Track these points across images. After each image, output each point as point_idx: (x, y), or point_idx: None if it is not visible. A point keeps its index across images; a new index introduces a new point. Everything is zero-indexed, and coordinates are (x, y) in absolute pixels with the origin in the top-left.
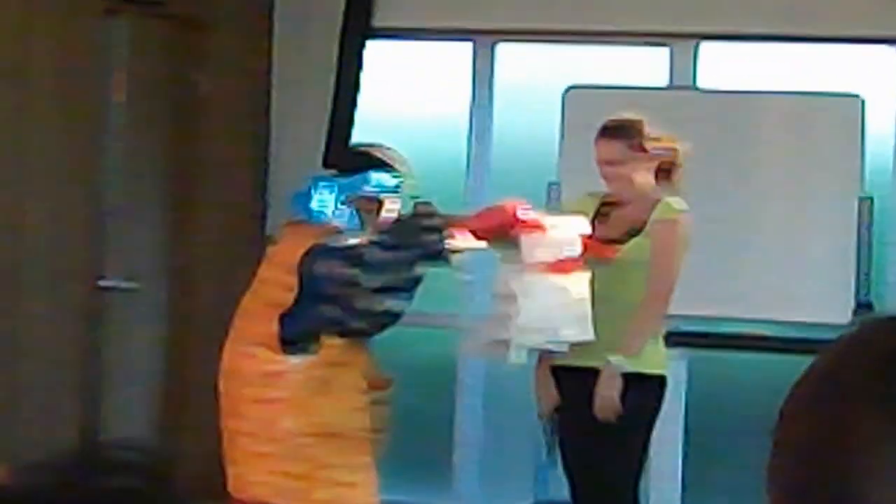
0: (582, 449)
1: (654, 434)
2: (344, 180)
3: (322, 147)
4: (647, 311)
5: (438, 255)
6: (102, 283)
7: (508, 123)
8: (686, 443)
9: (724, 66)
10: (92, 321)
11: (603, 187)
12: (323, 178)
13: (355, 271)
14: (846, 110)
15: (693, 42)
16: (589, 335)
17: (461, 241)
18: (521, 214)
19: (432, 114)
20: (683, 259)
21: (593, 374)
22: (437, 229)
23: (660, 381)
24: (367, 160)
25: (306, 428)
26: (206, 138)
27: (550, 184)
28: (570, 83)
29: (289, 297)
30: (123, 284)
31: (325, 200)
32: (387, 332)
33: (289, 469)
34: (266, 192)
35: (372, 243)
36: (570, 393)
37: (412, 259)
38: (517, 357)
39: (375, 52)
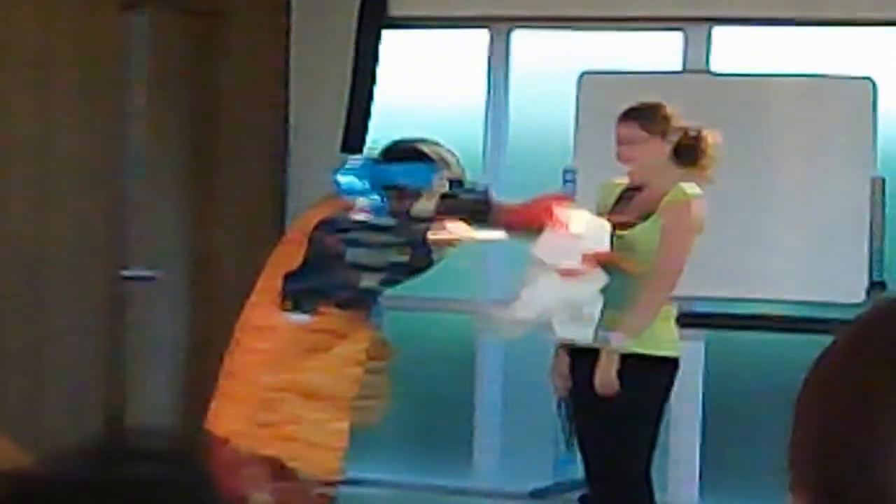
0: (593, 430)
1: (672, 414)
2: (382, 167)
3: (340, 136)
4: (650, 292)
5: (422, 244)
6: (125, 272)
7: (524, 109)
8: (703, 422)
9: (738, 50)
10: (115, 310)
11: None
12: (363, 161)
13: (341, 246)
14: (858, 93)
15: (706, 26)
16: (585, 339)
17: (464, 231)
18: (555, 210)
19: (449, 101)
20: (693, 242)
21: None
22: (426, 219)
23: (671, 363)
24: (410, 153)
25: (283, 384)
26: (225, 128)
27: (566, 170)
28: (585, 69)
29: (298, 258)
30: (146, 273)
31: (355, 180)
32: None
33: (257, 416)
34: (285, 180)
35: (369, 224)
36: (581, 374)
37: (394, 244)
38: (508, 333)
39: (392, 41)
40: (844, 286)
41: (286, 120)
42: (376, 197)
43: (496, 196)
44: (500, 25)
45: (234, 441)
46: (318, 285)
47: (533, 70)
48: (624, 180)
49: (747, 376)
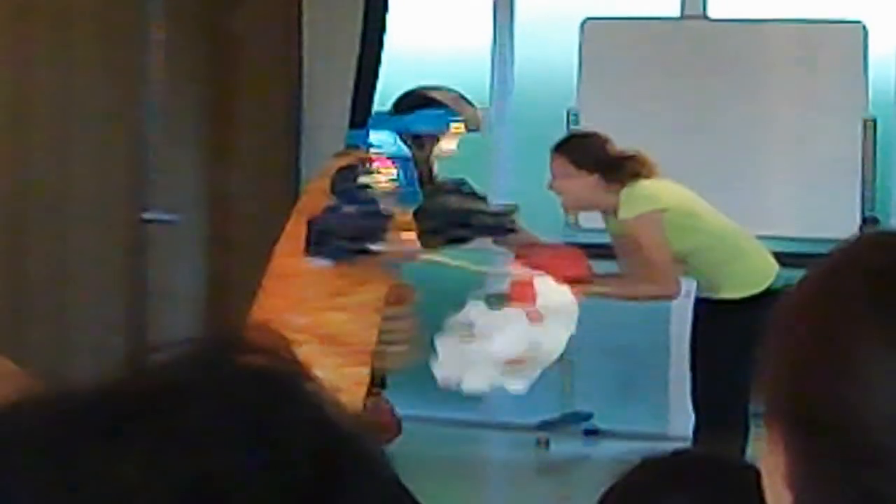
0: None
1: (671, 351)
2: (395, 119)
3: (351, 82)
4: (628, 284)
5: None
6: (145, 215)
7: (529, 54)
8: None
9: None
10: (136, 253)
11: None
12: (376, 115)
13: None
14: (850, 37)
15: None
16: (521, 389)
17: (410, 247)
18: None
19: (455, 47)
20: (660, 230)
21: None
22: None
23: (735, 304)
24: (422, 100)
25: (304, 327)
26: (241, 73)
27: (569, 111)
28: (588, 15)
29: (321, 205)
30: (165, 217)
31: (376, 135)
32: None
33: None
34: (300, 125)
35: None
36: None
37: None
38: (469, 386)
39: None
40: (838, 222)
41: (300, 64)
42: (402, 152)
43: (521, 224)
44: None
45: None
46: (342, 231)
47: (537, 16)
48: None
49: None
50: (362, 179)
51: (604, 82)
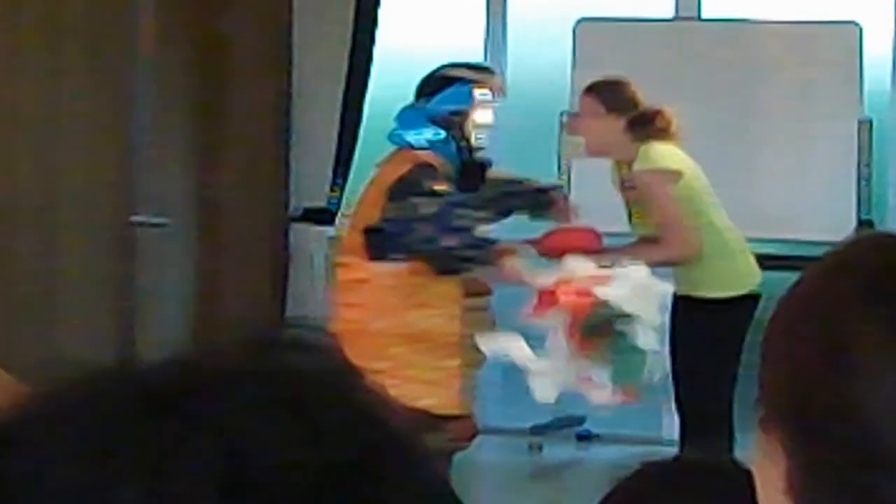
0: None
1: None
2: (421, 108)
3: (342, 85)
4: (641, 251)
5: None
6: (134, 218)
7: (522, 55)
8: None
9: None
10: (125, 255)
11: None
12: (407, 108)
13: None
14: (844, 37)
15: None
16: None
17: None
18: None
19: (447, 46)
20: (672, 189)
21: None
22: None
23: (715, 304)
24: (442, 81)
25: (388, 330)
26: (230, 76)
27: (562, 112)
28: (581, 16)
29: (376, 215)
30: (154, 220)
31: (414, 132)
32: None
33: (371, 365)
34: (289, 127)
35: (441, 194)
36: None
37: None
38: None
39: None
40: (834, 225)
41: (290, 67)
42: (433, 135)
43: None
44: None
45: None
46: (400, 241)
47: (530, 16)
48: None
49: None
50: (428, 185)
51: None
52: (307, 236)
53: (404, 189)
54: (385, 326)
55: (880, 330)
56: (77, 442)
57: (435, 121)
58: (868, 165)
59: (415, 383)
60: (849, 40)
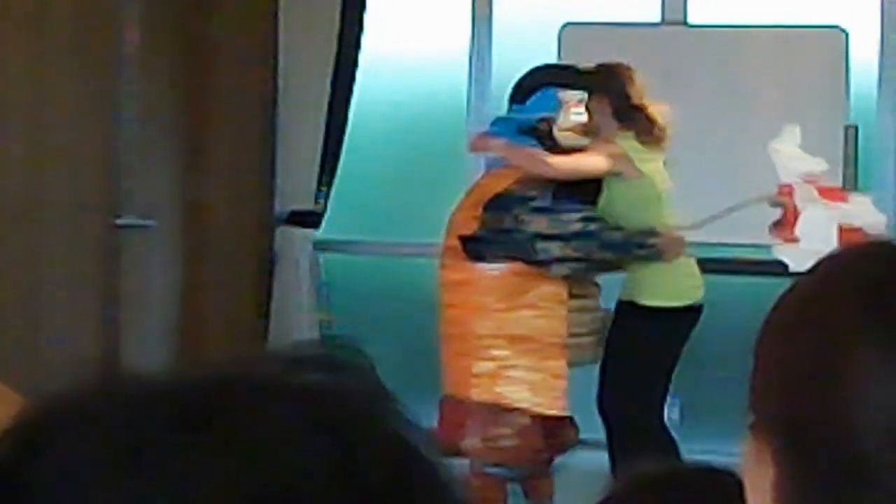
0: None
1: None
2: (513, 118)
3: (328, 86)
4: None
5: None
6: (119, 221)
7: (507, 59)
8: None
9: (714, 2)
10: (109, 258)
11: None
12: (499, 118)
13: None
14: (830, 42)
15: None
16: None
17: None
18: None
19: (433, 52)
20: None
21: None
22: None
23: (657, 313)
24: (529, 87)
25: (491, 331)
26: (216, 79)
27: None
28: (567, 20)
29: (474, 226)
30: (139, 222)
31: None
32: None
33: (472, 367)
34: (275, 130)
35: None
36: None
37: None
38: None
39: None
40: None
41: (275, 70)
42: (531, 146)
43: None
44: None
45: (458, 393)
46: (496, 250)
47: (516, 21)
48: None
49: (723, 320)
50: (527, 198)
51: None
52: (292, 239)
53: (503, 203)
54: (486, 328)
55: (871, 341)
56: (105, 451)
57: (524, 130)
58: (854, 171)
59: (518, 384)
60: (835, 45)
